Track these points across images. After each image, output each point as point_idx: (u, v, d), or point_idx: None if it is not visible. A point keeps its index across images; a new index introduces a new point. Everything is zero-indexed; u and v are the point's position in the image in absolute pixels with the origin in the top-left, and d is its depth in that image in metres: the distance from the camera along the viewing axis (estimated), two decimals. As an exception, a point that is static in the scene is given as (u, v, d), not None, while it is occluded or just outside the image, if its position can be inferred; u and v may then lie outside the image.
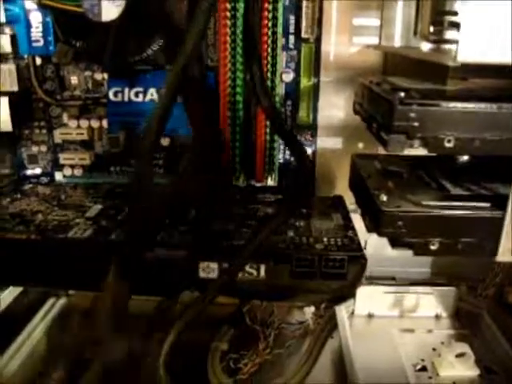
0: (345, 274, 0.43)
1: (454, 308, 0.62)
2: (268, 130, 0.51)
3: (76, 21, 0.48)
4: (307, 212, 0.50)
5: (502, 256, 0.38)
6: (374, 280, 0.62)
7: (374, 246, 0.56)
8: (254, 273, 0.43)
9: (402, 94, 0.37)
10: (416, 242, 0.38)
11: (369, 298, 0.62)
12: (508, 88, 0.38)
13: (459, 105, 0.36)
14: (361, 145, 0.55)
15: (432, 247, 0.38)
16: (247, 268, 0.43)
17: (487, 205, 0.38)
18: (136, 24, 0.48)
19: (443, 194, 0.40)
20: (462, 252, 0.38)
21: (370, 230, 0.42)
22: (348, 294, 0.44)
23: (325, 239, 0.44)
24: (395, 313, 0.62)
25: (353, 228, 0.47)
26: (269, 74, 0.50)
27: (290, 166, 0.55)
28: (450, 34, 0.52)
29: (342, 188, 0.54)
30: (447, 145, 0.36)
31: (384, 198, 0.39)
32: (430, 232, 0.38)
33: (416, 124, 0.35)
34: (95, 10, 0.46)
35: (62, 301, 0.61)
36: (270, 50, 0.49)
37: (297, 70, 0.52)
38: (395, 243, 0.39)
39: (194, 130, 0.39)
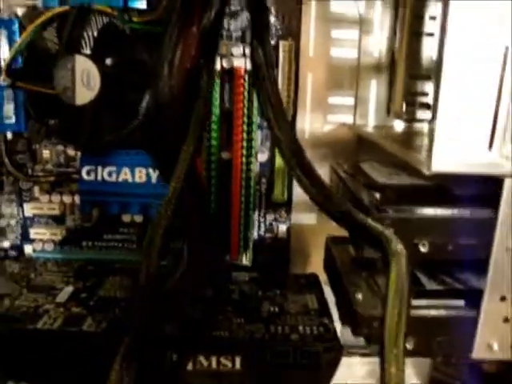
0: (320, 364, 0.42)
1: (429, 378, 0.62)
2: (243, 207, 0.51)
3: (49, 100, 0.47)
4: (281, 293, 0.50)
5: (478, 353, 0.39)
6: (349, 349, 0.61)
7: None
8: (229, 364, 0.42)
9: (378, 197, 0.37)
10: (391, 342, 0.38)
11: (344, 369, 0.61)
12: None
13: (432, 211, 0.36)
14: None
15: (408, 346, 0.38)
16: (222, 359, 0.42)
17: (461, 303, 0.38)
18: (110, 106, 0.47)
19: (418, 289, 0.40)
20: (438, 351, 0.39)
21: (344, 324, 0.42)
22: (324, 383, 0.44)
23: (300, 327, 0.44)
24: (371, 382, 0.62)
25: (328, 313, 0.46)
26: (244, 153, 0.50)
27: (265, 243, 0.55)
28: (421, 114, 0.53)
29: (317, 264, 0.54)
30: (422, 249, 0.36)
31: (359, 296, 0.39)
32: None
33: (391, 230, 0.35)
34: (69, 93, 0.46)
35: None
36: (245, 128, 0.50)
37: (272, 149, 0.52)
38: (371, 341, 0.39)
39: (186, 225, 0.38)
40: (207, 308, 0.45)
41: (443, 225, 0.36)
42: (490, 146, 0.34)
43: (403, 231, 0.36)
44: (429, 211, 0.36)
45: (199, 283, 0.39)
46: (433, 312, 0.38)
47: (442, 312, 0.38)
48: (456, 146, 0.34)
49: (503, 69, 0.33)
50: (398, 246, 0.33)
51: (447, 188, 0.39)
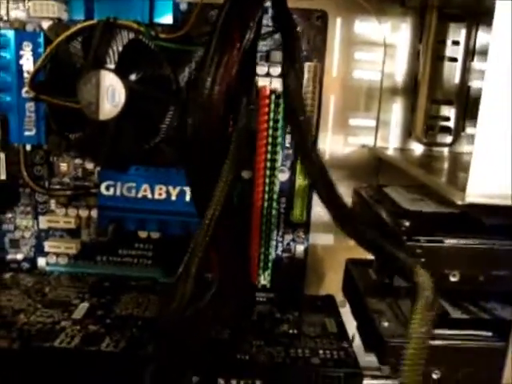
0: (340, 390, 0.42)
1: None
2: (263, 227, 0.51)
3: (71, 114, 0.47)
4: (299, 315, 0.49)
5: (505, 385, 0.38)
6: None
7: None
8: (249, 388, 0.42)
9: (407, 224, 0.37)
10: (418, 372, 0.38)
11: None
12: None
13: (464, 241, 0.36)
14: (352, 242, 0.55)
15: (434, 376, 0.38)
16: (242, 382, 0.42)
17: (489, 334, 0.38)
18: (133, 122, 0.47)
19: (443, 317, 0.40)
20: (464, 382, 0.38)
21: (368, 351, 0.41)
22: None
23: (320, 351, 0.44)
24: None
25: (347, 338, 0.46)
26: (267, 173, 0.50)
27: (282, 262, 0.54)
28: (441, 138, 0.53)
29: (333, 285, 0.54)
30: (452, 279, 0.36)
31: (385, 324, 0.39)
32: (431, 362, 0.37)
33: (422, 260, 0.35)
34: (93, 108, 0.46)
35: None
36: (269, 148, 0.49)
37: (292, 169, 0.52)
38: (397, 370, 0.38)
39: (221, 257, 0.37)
40: (232, 331, 0.44)
41: (474, 255, 0.36)
42: (525, 178, 0.34)
43: (434, 261, 0.36)
44: (460, 241, 0.36)
45: (228, 308, 0.39)
46: (459, 342, 0.38)
47: (469, 343, 0.38)
48: (490, 177, 0.34)
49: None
50: (425, 279, 0.33)
51: (475, 217, 0.39)
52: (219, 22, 0.33)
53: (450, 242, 0.36)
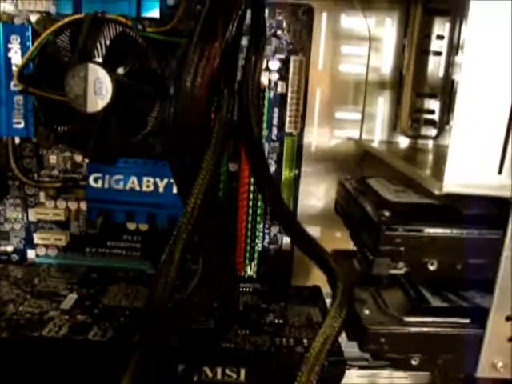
0: (324, 378, 0.43)
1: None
2: (250, 218, 0.52)
3: (59, 107, 0.48)
4: (285, 306, 0.50)
5: (482, 371, 0.39)
6: (347, 361, 0.62)
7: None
8: (234, 376, 0.42)
9: (387, 214, 0.38)
10: (397, 358, 0.39)
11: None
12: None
13: (442, 230, 0.37)
14: (338, 234, 0.56)
15: (413, 362, 0.39)
16: (227, 370, 0.42)
17: (467, 321, 0.39)
18: (121, 114, 0.47)
19: (423, 306, 0.40)
20: (442, 368, 0.39)
21: (350, 339, 0.42)
22: (326, 397, 0.44)
23: (305, 340, 0.44)
24: (368, 395, 0.62)
25: (332, 327, 0.47)
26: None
27: (269, 254, 0.55)
28: (426, 131, 0.54)
29: (319, 276, 0.54)
30: (430, 268, 0.37)
31: (366, 312, 0.39)
32: (411, 348, 0.38)
33: (401, 249, 0.36)
34: (80, 101, 0.46)
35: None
36: (254, 141, 0.50)
37: (278, 162, 0.53)
38: (376, 357, 0.39)
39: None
40: (216, 320, 0.45)
41: (452, 244, 0.36)
42: (500, 169, 0.35)
43: (412, 249, 0.36)
44: (438, 230, 0.37)
45: (212, 297, 0.40)
46: (439, 329, 0.38)
47: (448, 330, 0.38)
48: (467, 168, 0.34)
49: (515, 94, 0.34)
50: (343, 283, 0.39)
51: (455, 207, 0.40)
52: (202, 13, 0.34)
53: (428, 231, 0.37)
